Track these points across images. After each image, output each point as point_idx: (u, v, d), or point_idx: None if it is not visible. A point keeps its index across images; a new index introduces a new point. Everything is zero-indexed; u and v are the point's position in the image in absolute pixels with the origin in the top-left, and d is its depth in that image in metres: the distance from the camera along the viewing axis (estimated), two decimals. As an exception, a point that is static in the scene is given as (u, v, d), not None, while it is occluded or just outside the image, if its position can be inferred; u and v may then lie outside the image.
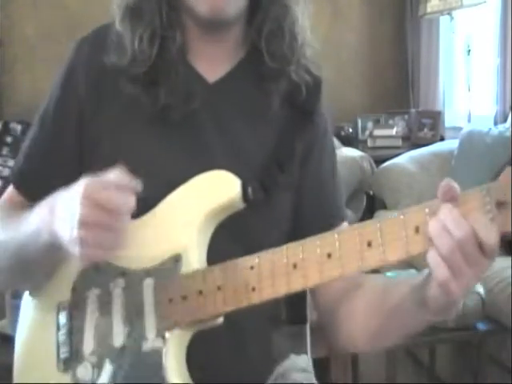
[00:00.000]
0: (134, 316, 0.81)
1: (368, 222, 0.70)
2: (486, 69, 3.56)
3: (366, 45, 4.30)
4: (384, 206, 3.18)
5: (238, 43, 0.93)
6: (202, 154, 0.90)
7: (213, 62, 0.92)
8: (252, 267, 0.76)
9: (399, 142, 3.96)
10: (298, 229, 0.94)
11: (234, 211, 0.83)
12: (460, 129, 3.24)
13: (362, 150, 3.61)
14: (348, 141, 3.92)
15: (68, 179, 0.93)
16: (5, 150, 3.36)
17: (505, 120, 3.18)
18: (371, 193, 3.41)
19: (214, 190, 0.82)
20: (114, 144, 0.90)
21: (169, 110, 0.87)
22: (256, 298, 0.76)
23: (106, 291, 0.84)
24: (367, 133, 4.07)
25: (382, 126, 4.05)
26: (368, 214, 3.39)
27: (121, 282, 0.83)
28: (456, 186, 0.66)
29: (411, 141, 3.94)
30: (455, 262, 0.64)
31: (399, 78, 4.26)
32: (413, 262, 2.59)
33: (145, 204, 0.84)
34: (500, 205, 0.64)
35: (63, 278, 0.90)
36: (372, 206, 3.43)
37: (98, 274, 0.86)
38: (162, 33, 0.87)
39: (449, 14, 3.68)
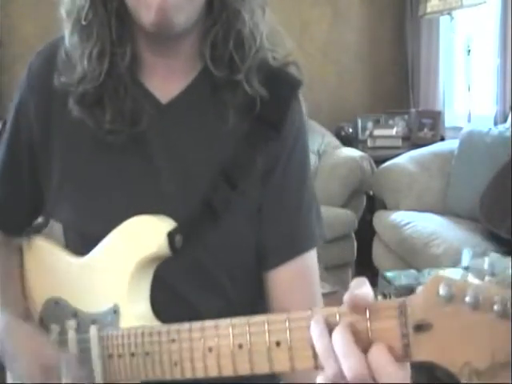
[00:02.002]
0: (85, 362, 0.79)
1: (276, 318, 0.62)
2: (486, 69, 3.56)
3: (366, 45, 4.30)
4: (384, 206, 3.18)
5: (192, 57, 0.87)
6: (148, 179, 0.85)
7: (166, 80, 0.87)
8: (173, 340, 0.71)
9: (399, 142, 3.96)
10: (261, 257, 0.88)
11: (163, 259, 0.80)
12: (460, 129, 3.24)
13: (362, 150, 3.61)
14: (348, 141, 3.92)
15: (31, 211, 0.96)
16: (5, 150, 3.36)
17: (505, 120, 3.18)
18: (371, 193, 3.41)
19: (141, 240, 0.79)
20: (63, 170, 0.88)
21: (114, 133, 0.83)
22: (178, 374, 0.71)
23: (63, 329, 0.84)
24: (367, 133, 4.06)
25: (382, 126, 4.05)
26: (368, 213, 3.40)
27: (73, 323, 0.82)
28: (367, 293, 0.56)
29: (411, 141, 3.94)
30: None
31: (399, 77, 4.26)
32: (412, 262, 2.60)
33: (93, 234, 0.84)
34: (419, 327, 0.53)
35: (32, 308, 0.91)
36: (372, 206, 3.44)
37: (58, 310, 0.87)
38: (111, 49, 0.82)
39: (449, 14, 3.68)
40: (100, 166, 0.87)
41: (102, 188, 0.87)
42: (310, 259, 0.90)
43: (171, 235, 0.78)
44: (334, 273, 3.03)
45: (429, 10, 3.72)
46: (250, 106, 0.85)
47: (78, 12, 0.82)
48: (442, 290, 0.52)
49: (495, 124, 3.22)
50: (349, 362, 0.54)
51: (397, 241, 2.83)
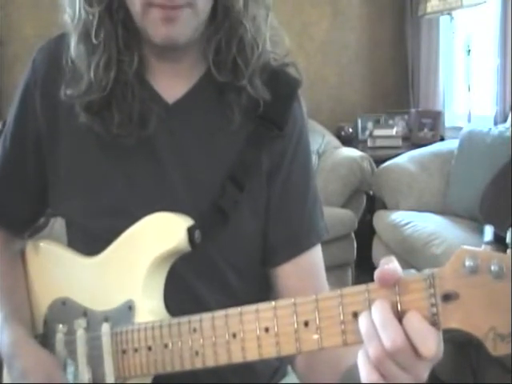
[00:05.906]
0: (95, 360, 0.79)
1: (305, 300, 0.63)
2: (485, 69, 3.56)
3: (366, 45, 4.30)
4: (384, 206, 3.18)
5: (196, 60, 0.89)
6: (159, 180, 0.86)
7: (172, 82, 0.88)
8: (195, 330, 0.71)
9: (399, 142, 3.96)
10: (269, 254, 0.89)
11: (181, 254, 0.80)
12: (460, 129, 3.24)
13: (362, 150, 3.61)
14: (348, 141, 3.93)
15: (35, 206, 0.96)
16: (5, 150, 3.36)
17: (505, 120, 3.18)
18: (371, 193, 3.41)
19: (160, 235, 0.80)
20: (71, 169, 0.89)
21: (122, 137, 0.85)
22: (199, 363, 0.71)
23: (71, 329, 0.84)
24: (367, 133, 4.07)
25: (382, 126, 4.05)
26: (368, 214, 3.40)
27: (82, 322, 0.82)
28: (395, 268, 0.58)
29: (411, 141, 3.94)
30: (386, 368, 0.57)
31: (399, 77, 4.26)
32: (412, 262, 2.59)
33: (104, 235, 0.84)
34: (447, 297, 0.56)
35: (36, 311, 0.91)
36: (372, 205, 3.44)
37: (65, 310, 0.87)
38: (118, 57, 0.83)
39: (449, 13, 3.68)
40: (107, 167, 0.87)
41: (108, 188, 0.87)
42: (316, 253, 0.92)
43: (191, 230, 0.79)
44: (334, 273, 3.03)
45: (429, 9, 3.72)
46: (254, 106, 0.86)
47: (84, 25, 0.82)
48: (467, 262, 0.55)
49: (495, 124, 3.22)
50: (388, 332, 0.56)
51: (397, 241, 2.83)
